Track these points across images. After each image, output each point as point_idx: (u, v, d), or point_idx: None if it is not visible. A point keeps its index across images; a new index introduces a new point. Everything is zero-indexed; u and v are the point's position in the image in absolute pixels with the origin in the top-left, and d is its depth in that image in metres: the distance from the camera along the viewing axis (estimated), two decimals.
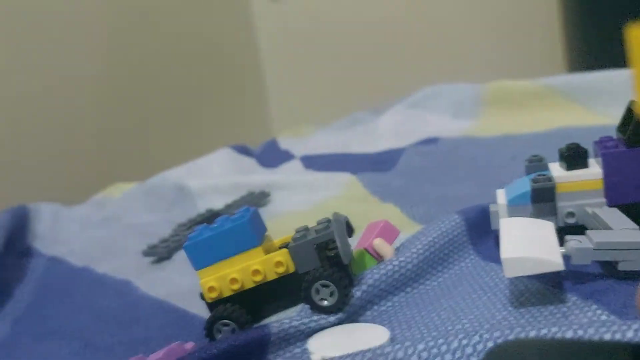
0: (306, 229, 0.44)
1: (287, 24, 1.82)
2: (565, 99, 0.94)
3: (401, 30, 1.73)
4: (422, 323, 0.40)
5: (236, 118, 1.67)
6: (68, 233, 0.78)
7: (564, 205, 0.45)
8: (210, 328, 0.42)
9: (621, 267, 0.38)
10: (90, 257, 0.68)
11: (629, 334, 0.28)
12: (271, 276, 0.42)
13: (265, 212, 0.71)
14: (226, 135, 1.50)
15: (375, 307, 0.43)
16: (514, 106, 0.96)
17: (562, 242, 0.40)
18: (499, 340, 0.30)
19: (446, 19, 1.70)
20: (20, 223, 0.76)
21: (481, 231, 0.50)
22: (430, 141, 0.91)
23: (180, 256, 0.64)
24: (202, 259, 0.43)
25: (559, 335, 0.30)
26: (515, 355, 0.29)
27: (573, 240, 0.39)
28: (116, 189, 0.93)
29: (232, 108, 1.66)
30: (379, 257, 0.47)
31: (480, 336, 0.31)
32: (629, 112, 0.45)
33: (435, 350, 0.32)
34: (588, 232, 0.40)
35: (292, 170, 0.92)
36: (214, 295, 0.43)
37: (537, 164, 0.50)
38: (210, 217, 0.74)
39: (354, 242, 0.47)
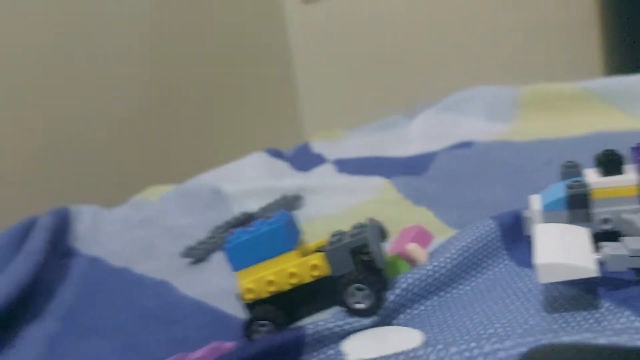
0: (341, 233, 0.45)
1: (319, 26, 1.82)
2: (602, 103, 0.93)
3: (434, 32, 1.72)
4: (455, 327, 0.40)
5: (268, 121, 1.69)
6: (107, 234, 0.80)
7: (599, 211, 0.45)
8: (248, 328, 0.43)
9: None
10: (129, 257, 0.70)
11: None
12: (307, 279, 0.43)
13: (298, 216, 0.72)
14: (258, 138, 1.52)
15: (409, 311, 0.44)
16: (551, 110, 0.95)
17: (597, 248, 0.40)
18: (532, 345, 0.31)
19: (481, 22, 1.69)
20: (63, 224, 0.78)
21: (515, 237, 0.50)
22: (465, 145, 0.90)
23: (217, 258, 0.65)
24: (240, 261, 0.44)
25: (592, 341, 0.30)
26: None
27: (608, 247, 0.39)
28: (153, 192, 0.95)
29: (264, 111, 1.68)
30: (412, 262, 0.47)
31: (513, 341, 0.31)
32: None
33: (467, 354, 0.32)
34: (623, 238, 0.40)
35: (324, 174, 0.93)
36: (251, 296, 0.44)
37: (572, 170, 0.49)
38: (245, 219, 0.76)
39: (388, 247, 0.48)
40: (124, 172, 1.27)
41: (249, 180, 0.92)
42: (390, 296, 0.43)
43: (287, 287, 0.44)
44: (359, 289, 0.41)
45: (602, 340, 0.30)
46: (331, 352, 0.40)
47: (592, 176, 0.47)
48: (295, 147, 1.12)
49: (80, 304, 0.59)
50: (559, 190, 0.47)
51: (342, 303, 0.41)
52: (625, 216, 0.44)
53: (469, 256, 0.47)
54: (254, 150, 1.05)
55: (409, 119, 1.11)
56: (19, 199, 1.02)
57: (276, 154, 1.05)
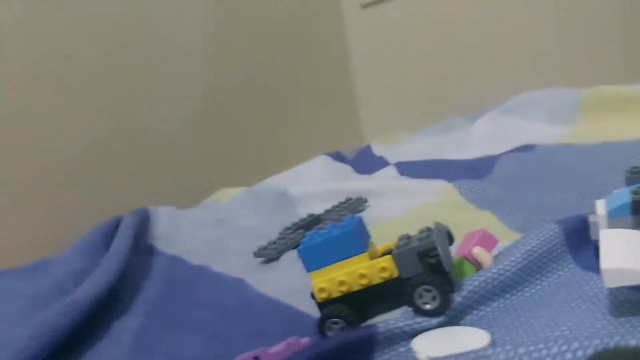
0: (408, 236, 0.47)
1: (378, 30, 1.84)
2: None
3: (493, 35, 1.71)
4: (522, 328, 0.42)
5: (328, 124, 1.72)
6: (184, 234, 0.85)
7: None
8: (322, 325, 0.46)
9: None
10: (206, 256, 0.74)
11: None
12: (376, 280, 0.46)
13: (363, 218, 0.74)
14: (319, 141, 1.55)
15: (475, 312, 0.45)
16: (614, 112, 0.94)
17: None
18: (599, 348, 0.32)
19: (540, 25, 1.66)
20: (144, 224, 0.83)
21: (580, 241, 0.51)
22: (526, 148, 0.90)
23: (288, 257, 0.69)
24: (313, 262, 0.47)
25: None
26: None
27: None
28: (224, 194, 0.99)
29: (324, 115, 1.71)
30: (478, 265, 0.49)
31: (580, 343, 0.33)
32: None
33: (535, 355, 0.33)
34: None
35: (387, 177, 0.95)
36: (323, 295, 0.47)
37: (637, 175, 0.50)
38: (311, 221, 0.79)
39: (453, 250, 0.50)
40: (191, 176, 1.32)
41: (314, 183, 0.95)
42: (457, 298, 0.45)
43: (357, 288, 0.46)
44: (427, 290, 0.43)
45: None
46: (402, 349, 0.42)
47: None
48: (357, 150, 1.14)
49: (164, 299, 0.63)
50: (624, 195, 0.47)
51: (411, 303, 0.44)
52: None
53: (534, 260, 0.48)
54: (315, 152, 1.08)
55: (469, 122, 1.12)
56: (94, 200, 1.08)
57: (338, 157, 1.08)
